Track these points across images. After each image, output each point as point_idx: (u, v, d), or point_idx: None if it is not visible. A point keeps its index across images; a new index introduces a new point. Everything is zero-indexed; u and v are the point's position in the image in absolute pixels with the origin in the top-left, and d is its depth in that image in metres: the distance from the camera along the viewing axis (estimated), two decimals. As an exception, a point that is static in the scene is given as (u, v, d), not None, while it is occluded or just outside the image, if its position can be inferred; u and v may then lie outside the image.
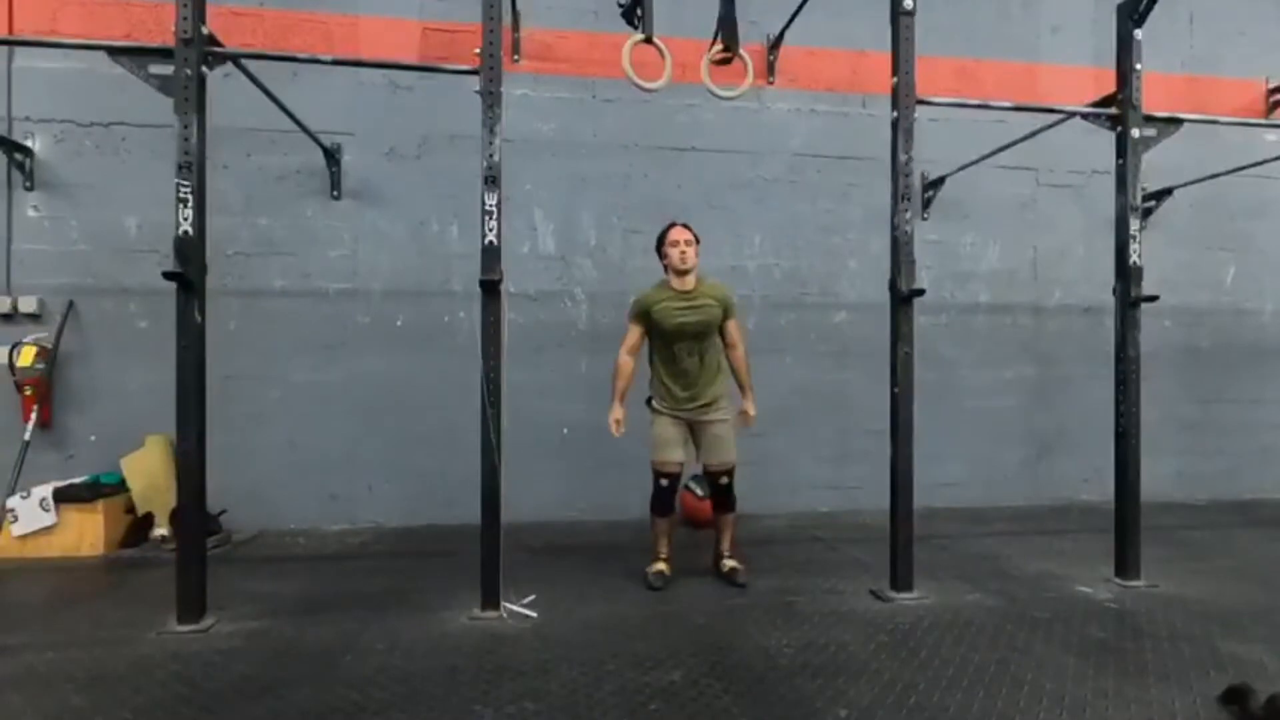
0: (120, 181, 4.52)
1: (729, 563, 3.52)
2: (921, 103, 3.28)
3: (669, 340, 3.39)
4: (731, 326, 3.50)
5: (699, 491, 4.54)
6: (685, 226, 3.43)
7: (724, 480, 3.46)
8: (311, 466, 4.68)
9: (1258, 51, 5.80)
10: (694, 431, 3.47)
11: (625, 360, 3.48)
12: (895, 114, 3.28)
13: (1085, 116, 3.68)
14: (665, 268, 3.46)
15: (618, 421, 3.44)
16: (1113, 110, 3.56)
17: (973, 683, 2.39)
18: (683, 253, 3.34)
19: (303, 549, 4.22)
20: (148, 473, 4.22)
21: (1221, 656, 2.62)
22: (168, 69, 2.87)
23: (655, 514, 3.52)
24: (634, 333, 3.47)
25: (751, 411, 3.54)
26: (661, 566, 3.49)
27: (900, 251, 3.25)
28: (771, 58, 5.18)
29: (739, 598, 3.26)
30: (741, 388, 3.57)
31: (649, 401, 3.55)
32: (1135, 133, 3.50)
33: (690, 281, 3.38)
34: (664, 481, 3.42)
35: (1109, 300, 3.65)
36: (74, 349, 4.48)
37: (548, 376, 4.90)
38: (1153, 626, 2.92)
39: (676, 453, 3.42)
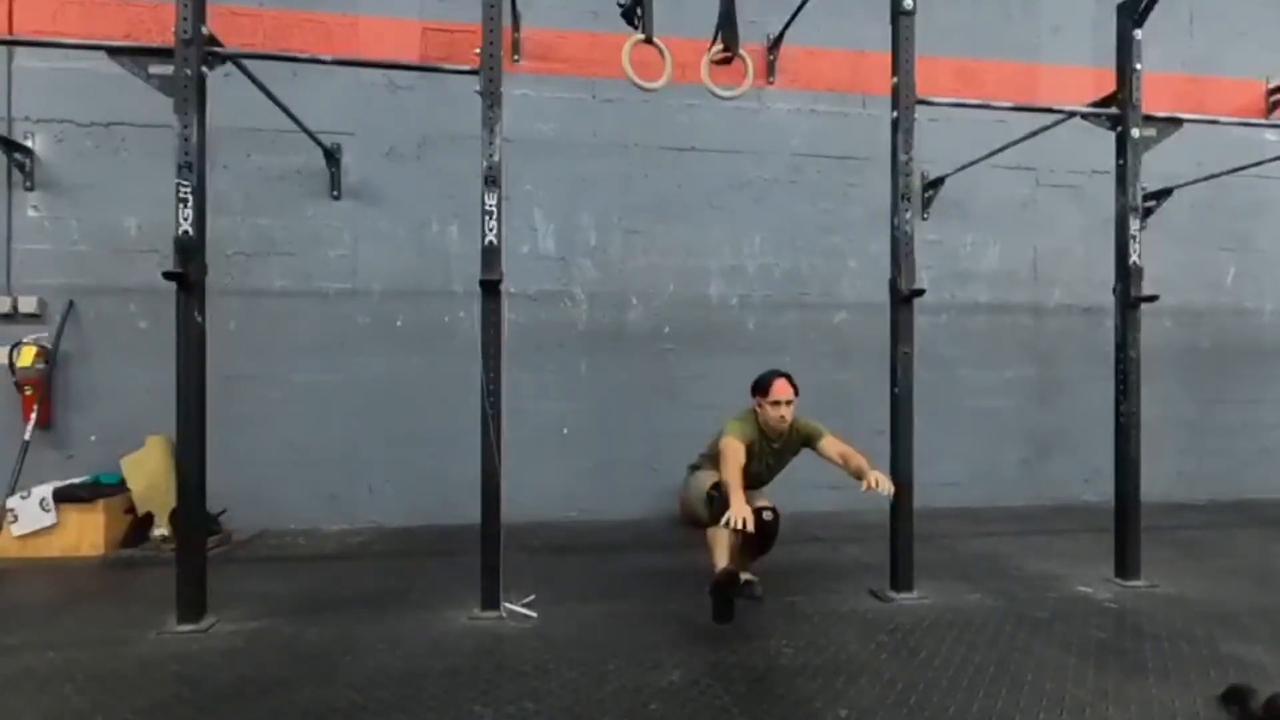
0: (120, 181, 4.53)
1: (745, 575, 3.14)
2: (921, 103, 3.28)
3: (747, 470, 3.18)
4: (827, 445, 3.30)
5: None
6: (788, 381, 3.27)
7: (767, 515, 3.13)
8: (311, 466, 4.68)
9: (1258, 51, 5.80)
10: None
11: (737, 474, 3.04)
12: (895, 114, 3.28)
13: (1085, 116, 3.67)
14: (759, 405, 3.32)
15: (739, 513, 2.83)
16: (1113, 110, 3.56)
17: (973, 683, 2.39)
18: (781, 416, 3.25)
19: (303, 549, 4.22)
20: (148, 473, 4.22)
21: (1221, 656, 2.62)
22: (168, 69, 2.87)
23: (715, 521, 3.00)
24: (741, 453, 3.12)
25: (876, 481, 3.05)
26: (726, 564, 2.95)
27: (900, 251, 3.25)
28: (771, 58, 5.18)
29: (741, 598, 3.24)
30: (856, 471, 3.18)
31: (694, 469, 3.52)
32: (1135, 133, 3.50)
33: (780, 438, 3.36)
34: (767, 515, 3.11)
35: (1109, 300, 3.65)
36: (74, 349, 4.49)
37: (548, 376, 4.90)
38: (1153, 626, 2.92)
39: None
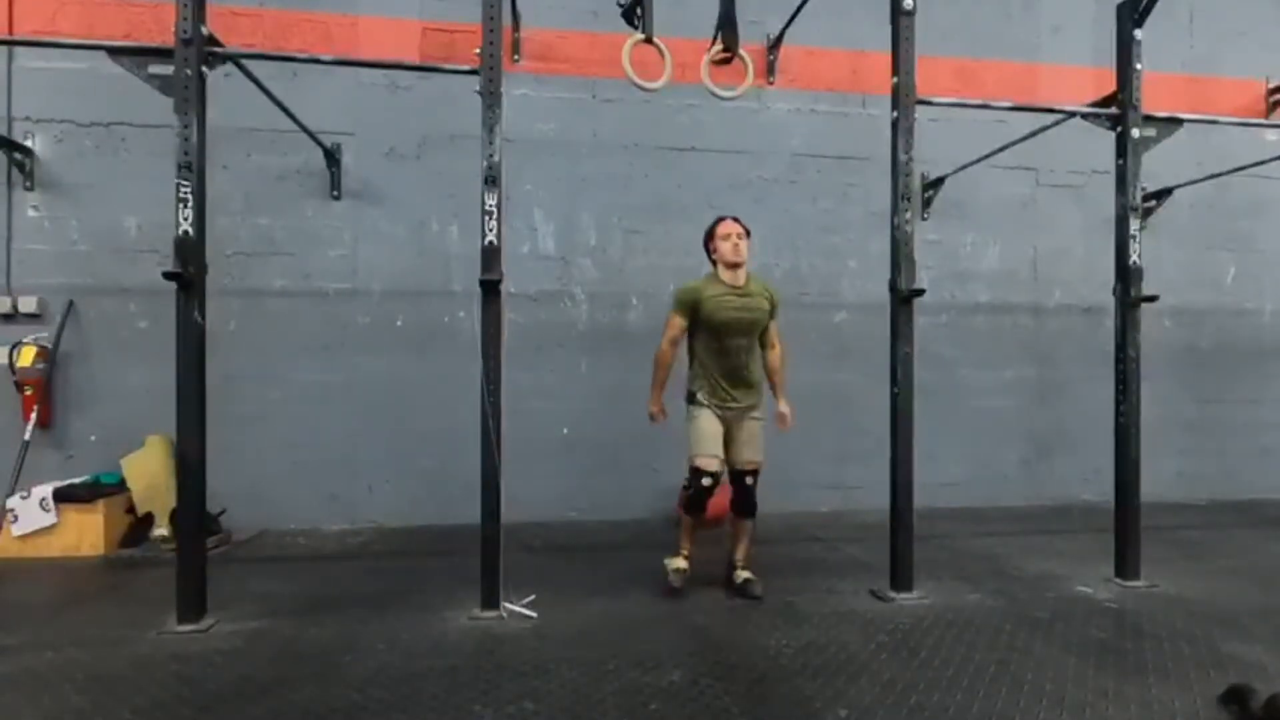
0: (120, 181, 4.53)
1: (744, 574, 3.34)
2: (921, 103, 3.28)
3: (720, 334, 3.27)
4: (774, 327, 3.43)
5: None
6: (735, 220, 3.35)
7: (749, 480, 3.33)
8: (311, 466, 4.68)
9: (1258, 51, 5.80)
10: (729, 429, 3.33)
11: (668, 350, 3.36)
12: (895, 114, 3.28)
13: (1085, 116, 3.67)
14: (714, 262, 3.37)
15: (658, 412, 3.39)
16: (1113, 110, 3.56)
17: (973, 683, 2.39)
18: (735, 245, 3.26)
19: (303, 549, 4.22)
20: (148, 473, 4.22)
21: (1221, 656, 2.62)
22: (168, 69, 2.87)
23: (688, 511, 3.35)
24: (678, 324, 3.33)
25: (787, 411, 3.44)
26: (682, 564, 3.34)
27: (900, 251, 3.25)
28: (771, 58, 5.18)
29: (739, 598, 3.26)
30: (775, 388, 3.48)
31: (691, 396, 3.39)
32: (1135, 133, 3.50)
33: (742, 276, 3.30)
34: (706, 481, 3.22)
35: (1109, 300, 3.65)
36: (74, 349, 4.49)
37: (548, 376, 4.90)
38: (1153, 626, 2.92)
39: (719, 448, 3.27)
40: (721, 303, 3.26)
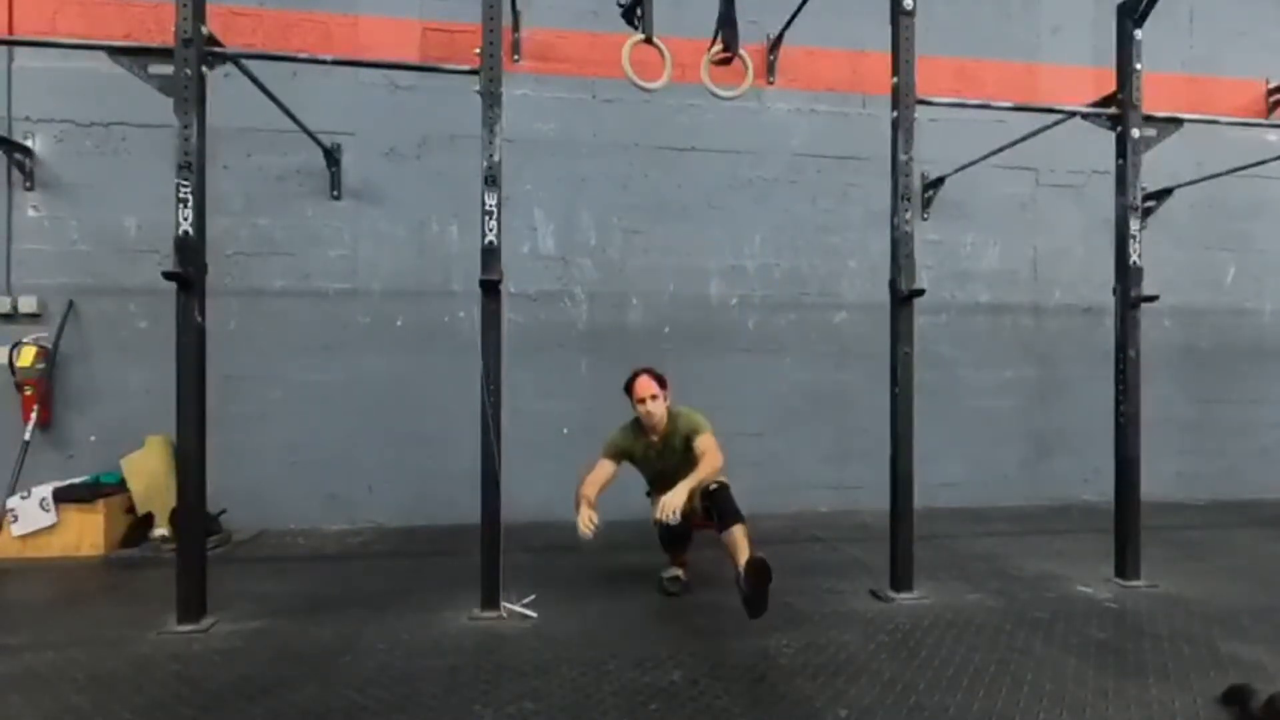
0: (120, 181, 4.53)
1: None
2: (921, 103, 3.28)
3: (645, 471, 3.46)
4: (700, 443, 3.21)
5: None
6: (650, 375, 3.30)
7: (712, 486, 3.09)
8: (311, 466, 4.68)
9: (1258, 51, 5.80)
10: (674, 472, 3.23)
11: (593, 488, 3.23)
12: (895, 114, 3.28)
13: (1085, 116, 3.67)
14: (633, 406, 3.36)
15: (591, 520, 3.10)
16: (1113, 110, 3.56)
17: (973, 683, 2.39)
18: (648, 411, 3.26)
19: (303, 549, 4.22)
20: (148, 473, 4.22)
21: (1221, 656, 2.62)
22: (168, 69, 2.87)
23: (666, 549, 3.46)
24: (607, 468, 3.32)
25: (671, 499, 2.98)
26: (677, 571, 3.41)
27: (900, 251, 3.25)
28: (771, 58, 5.18)
29: (739, 598, 3.24)
30: (688, 478, 3.10)
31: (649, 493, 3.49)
32: (1135, 133, 3.50)
33: (657, 432, 3.33)
34: (673, 521, 3.02)
35: (1109, 300, 3.65)
36: (74, 349, 4.49)
37: (548, 376, 4.90)
38: (1153, 626, 2.92)
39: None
40: (647, 456, 3.38)
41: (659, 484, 3.34)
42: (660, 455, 3.36)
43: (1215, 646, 2.71)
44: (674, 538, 3.37)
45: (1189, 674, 2.47)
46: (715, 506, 3.07)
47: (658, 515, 3.04)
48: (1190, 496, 5.61)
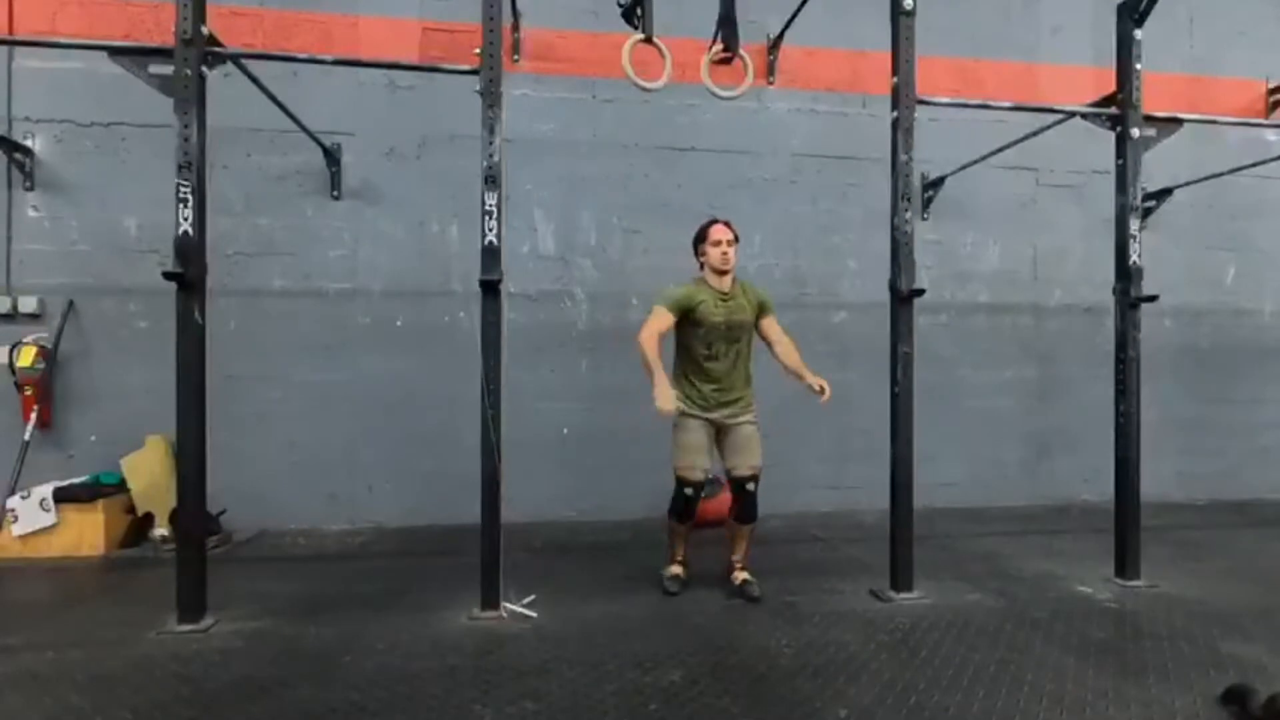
0: (120, 181, 4.53)
1: (742, 575, 3.33)
2: (921, 103, 3.28)
3: (706, 339, 3.23)
4: (770, 324, 3.36)
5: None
6: (727, 225, 3.28)
7: (750, 486, 3.24)
8: (311, 466, 4.68)
9: (1258, 51, 5.80)
10: (720, 434, 3.29)
11: (653, 337, 3.11)
12: (895, 114, 3.28)
13: (1085, 116, 3.67)
14: (701, 265, 3.32)
15: (669, 398, 3.02)
16: (1113, 110, 3.56)
17: (973, 683, 2.39)
18: (724, 253, 3.21)
19: (303, 549, 4.22)
20: (148, 473, 4.22)
21: (1221, 656, 2.62)
22: (168, 69, 2.87)
23: (675, 519, 3.35)
24: (665, 318, 3.16)
25: (821, 382, 3.21)
26: (678, 570, 3.42)
27: (900, 251, 3.25)
28: (771, 58, 5.17)
29: (739, 598, 3.25)
30: (799, 374, 3.29)
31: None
32: (1135, 133, 3.50)
33: (728, 281, 3.26)
34: (689, 491, 3.23)
35: (1109, 300, 3.65)
36: (74, 349, 4.48)
37: (548, 376, 4.90)
38: (1153, 626, 2.92)
39: (704, 459, 3.24)
40: (709, 309, 3.21)
41: (714, 348, 3.23)
42: (729, 309, 3.24)
43: (1215, 646, 2.71)
44: (696, 501, 3.29)
45: (1189, 674, 2.47)
46: (747, 503, 3.28)
47: (827, 393, 3.19)
48: (1190, 496, 5.61)
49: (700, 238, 3.33)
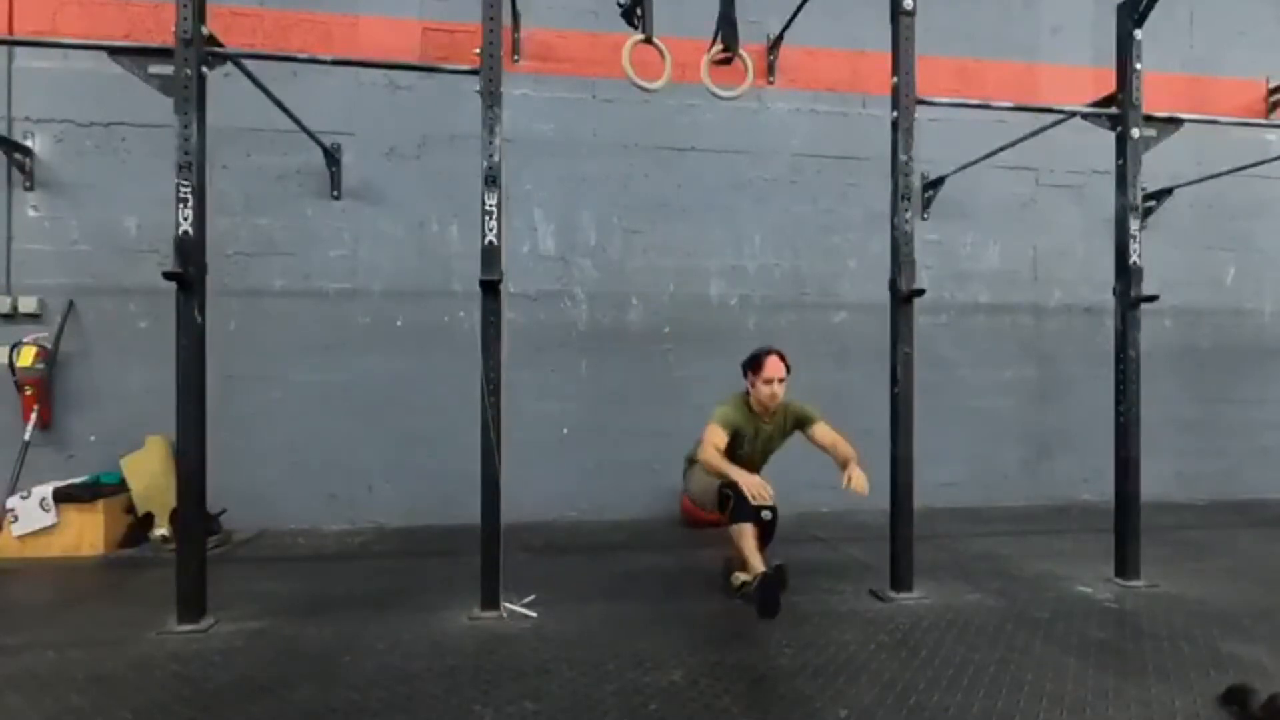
0: (120, 181, 4.53)
1: (742, 576, 3.16)
2: (921, 103, 3.28)
3: (739, 444, 3.38)
4: (820, 433, 3.38)
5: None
6: (781, 358, 3.33)
7: (766, 515, 3.11)
8: (311, 466, 4.68)
9: (1258, 51, 5.80)
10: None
11: (719, 455, 3.18)
12: (895, 114, 3.28)
13: (1085, 116, 3.67)
14: (751, 384, 3.38)
15: (758, 483, 3.05)
16: (1113, 110, 3.56)
17: (973, 683, 2.39)
18: (774, 393, 3.30)
19: (303, 549, 4.22)
20: (148, 473, 4.22)
21: (1221, 656, 2.62)
22: (168, 69, 2.87)
23: (747, 520, 3.07)
24: (722, 437, 3.24)
25: (850, 479, 3.16)
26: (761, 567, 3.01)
27: (900, 251, 3.25)
28: (771, 58, 5.18)
29: (739, 598, 3.25)
30: (847, 462, 3.25)
31: (691, 461, 3.50)
32: (1135, 133, 3.50)
33: (769, 416, 3.41)
34: (767, 514, 3.08)
35: (1109, 300, 3.65)
36: (74, 349, 4.49)
37: (548, 376, 4.90)
38: (1153, 626, 2.92)
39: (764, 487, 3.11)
40: (749, 434, 3.38)
41: (748, 456, 3.41)
42: (764, 439, 3.42)
43: (1215, 646, 2.71)
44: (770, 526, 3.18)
45: (1189, 674, 2.47)
46: (765, 532, 3.14)
47: (852, 485, 3.12)
48: (1190, 496, 5.61)
49: (754, 367, 3.37)
